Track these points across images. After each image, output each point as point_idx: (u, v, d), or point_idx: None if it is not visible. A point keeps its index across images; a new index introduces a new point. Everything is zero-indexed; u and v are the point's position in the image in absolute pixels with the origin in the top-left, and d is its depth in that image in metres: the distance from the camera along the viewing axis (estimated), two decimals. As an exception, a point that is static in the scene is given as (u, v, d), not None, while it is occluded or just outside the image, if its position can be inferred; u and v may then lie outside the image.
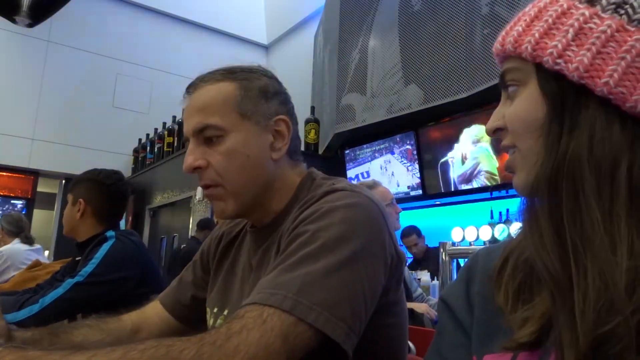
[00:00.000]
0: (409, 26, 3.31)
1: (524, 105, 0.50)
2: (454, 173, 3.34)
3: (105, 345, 0.56)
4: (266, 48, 7.27)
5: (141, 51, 6.42)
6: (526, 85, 0.50)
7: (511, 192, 2.97)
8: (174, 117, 5.09)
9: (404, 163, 3.62)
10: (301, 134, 1.84)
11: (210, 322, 0.87)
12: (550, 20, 0.49)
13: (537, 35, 0.49)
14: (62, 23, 5.79)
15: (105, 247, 1.54)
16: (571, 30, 0.47)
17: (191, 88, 0.81)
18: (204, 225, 3.79)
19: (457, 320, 0.56)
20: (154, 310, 0.95)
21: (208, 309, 0.89)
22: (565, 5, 0.48)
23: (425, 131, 3.42)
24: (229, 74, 0.80)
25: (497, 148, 2.97)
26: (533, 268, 0.49)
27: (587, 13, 0.46)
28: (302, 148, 2.03)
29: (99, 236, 1.63)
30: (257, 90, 0.80)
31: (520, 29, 0.51)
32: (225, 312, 0.84)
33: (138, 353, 0.54)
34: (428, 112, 3.21)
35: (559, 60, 0.46)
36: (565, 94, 0.46)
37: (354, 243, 0.67)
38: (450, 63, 2.99)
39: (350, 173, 4.04)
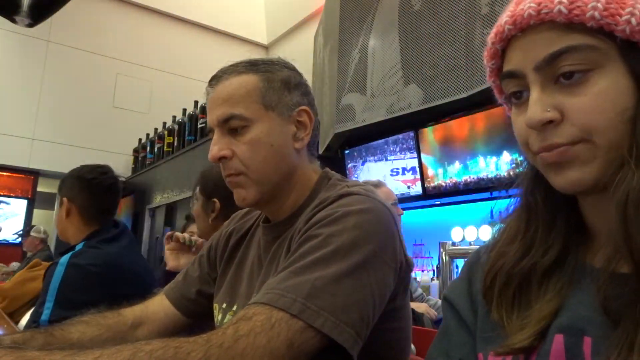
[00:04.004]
0: (409, 26, 3.31)
1: (608, 95, 0.40)
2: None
3: (109, 345, 0.55)
4: (266, 48, 7.26)
5: (141, 51, 6.42)
6: (603, 69, 0.40)
7: (512, 192, 2.96)
8: (174, 117, 5.08)
9: (404, 163, 3.62)
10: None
11: (219, 317, 0.87)
12: None
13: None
14: (62, 23, 5.79)
15: (55, 282, 1.37)
16: None
17: (214, 80, 0.82)
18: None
19: (461, 319, 0.55)
20: (159, 305, 0.95)
21: (217, 305, 0.89)
22: None
23: (425, 131, 3.42)
24: (252, 66, 0.82)
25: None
26: (530, 276, 0.48)
27: None
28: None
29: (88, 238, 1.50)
30: (279, 82, 0.81)
31: None
32: (235, 308, 0.84)
33: (146, 355, 0.54)
34: (428, 112, 3.20)
35: None
36: None
37: (366, 249, 0.67)
38: (450, 63, 2.99)
39: (350, 173, 4.04)
